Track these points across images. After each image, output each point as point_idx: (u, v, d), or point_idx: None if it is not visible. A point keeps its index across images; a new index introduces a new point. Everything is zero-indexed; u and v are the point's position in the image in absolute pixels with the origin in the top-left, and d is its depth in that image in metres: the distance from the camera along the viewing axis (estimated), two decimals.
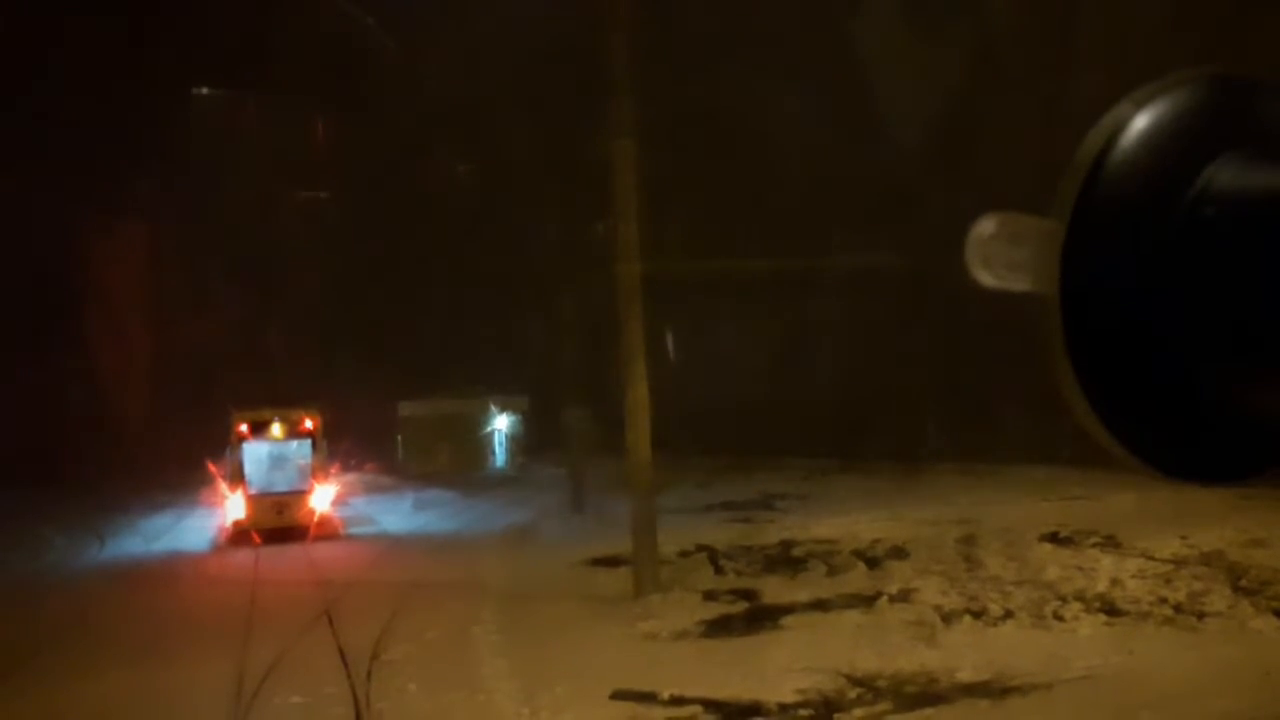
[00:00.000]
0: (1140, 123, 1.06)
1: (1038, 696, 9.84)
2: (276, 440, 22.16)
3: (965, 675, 10.37)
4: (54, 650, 12.86)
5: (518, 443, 33.41)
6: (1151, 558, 14.98)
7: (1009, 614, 12.70)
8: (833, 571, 15.60)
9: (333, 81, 33.10)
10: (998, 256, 1.13)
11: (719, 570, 16.12)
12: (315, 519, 21.62)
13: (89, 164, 30.94)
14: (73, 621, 14.33)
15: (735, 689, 10.28)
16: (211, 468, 23.66)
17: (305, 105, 34.82)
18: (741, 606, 13.83)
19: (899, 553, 16.33)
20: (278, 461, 22.02)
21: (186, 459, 24.80)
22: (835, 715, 9.66)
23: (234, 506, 21.47)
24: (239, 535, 21.09)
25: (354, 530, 22.54)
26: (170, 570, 18.92)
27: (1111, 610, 12.69)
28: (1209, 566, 14.26)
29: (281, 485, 21.79)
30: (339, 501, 23.36)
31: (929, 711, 9.68)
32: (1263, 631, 11.63)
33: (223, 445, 22.43)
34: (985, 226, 1.14)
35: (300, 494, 21.74)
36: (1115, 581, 13.87)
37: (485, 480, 30.08)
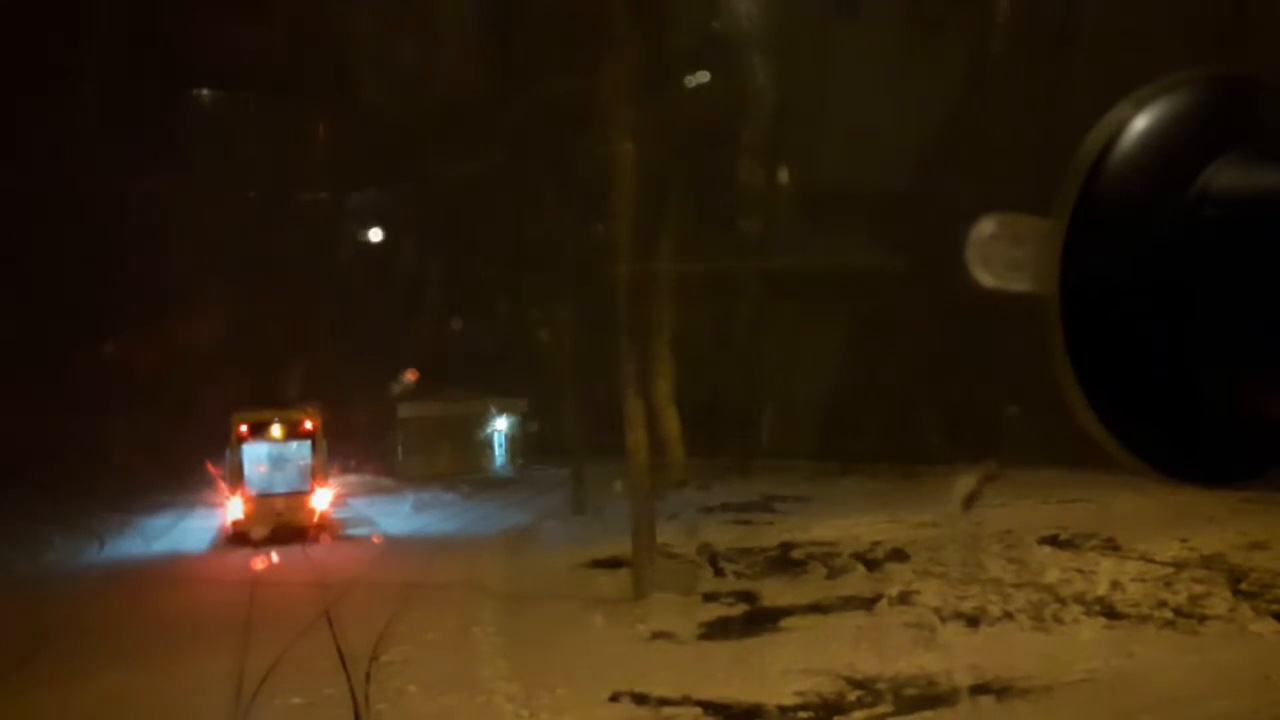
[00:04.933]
0: (1140, 123, 1.06)
1: (1038, 699, 9.84)
2: (276, 441, 22.16)
3: (965, 678, 10.36)
4: (53, 650, 12.85)
5: (518, 444, 33.40)
6: (1152, 560, 14.97)
7: (1009, 616, 12.69)
8: (832, 574, 15.60)
9: (333, 80, 33.09)
10: (998, 256, 1.13)
11: (719, 572, 16.12)
12: (315, 520, 21.60)
13: (88, 162, 30.94)
14: (72, 621, 14.33)
15: (735, 691, 10.28)
16: (211, 469, 23.66)
17: (306, 105, 34.82)
18: (741, 608, 13.83)
19: (899, 555, 16.33)
20: (277, 463, 22.01)
21: (187, 459, 24.79)
22: (835, 718, 9.66)
23: (234, 507, 21.46)
24: (238, 536, 21.08)
25: (353, 531, 22.54)
26: (170, 571, 18.91)
27: (1111, 613, 12.68)
28: (1209, 569, 14.25)
29: (281, 486, 21.78)
30: (339, 503, 23.35)
31: (929, 714, 9.67)
32: (1263, 635, 11.63)
33: (223, 446, 22.42)
34: (986, 226, 1.14)
35: (300, 495, 21.72)
36: (1115, 584, 13.86)
37: (485, 482, 30.07)
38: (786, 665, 11.00)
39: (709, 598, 14.40)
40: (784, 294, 27.98)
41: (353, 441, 27.56)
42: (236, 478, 21.56)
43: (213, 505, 23.48)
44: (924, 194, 23.24)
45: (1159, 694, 9.85)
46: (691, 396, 22.99)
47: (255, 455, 21.96)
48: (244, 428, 21.93)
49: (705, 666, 11.27)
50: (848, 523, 19.45)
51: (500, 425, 33.38)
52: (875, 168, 25.17)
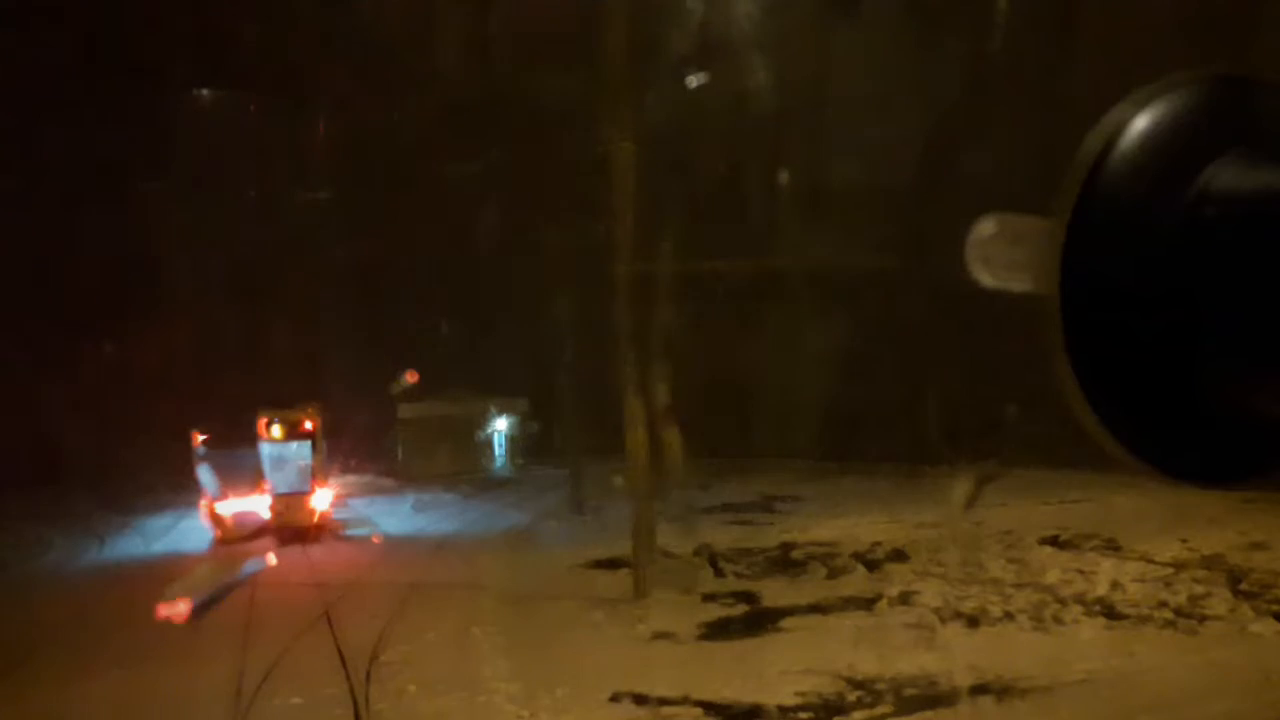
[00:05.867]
0: (1140, 123, 1.06)
1: (1038, 699, 9.84)
2: (276, 441, 22.15)
3: (965, 678, 10.37)
4: (53, 650, 12.85)
5: (518, 444, 33.38)
6: (1152, 561, 14.97)
7: (1009, 617, 12.69)
8: (832, 574, 15.59)
9: (333, 80, 33.10)
10: (998, 256, 1.13)
11: (719, 572, 16.11)
12: (315, 520, 21.60)
13: (88, 161, 30.95)
14: (72, 621, 14.32)
15: (735, 691, 10.28)
16: None
17: (305, 104, 34.82)
18: (741, 609, 13.83)
19: (899, 555, 16.33)
20: (277, 463, 22.00)
21: (186, 459, 24.77)
22: (835, 718, 9.66)
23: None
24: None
25: (353, 532, 22.52)
26: (170, 571, 18.88)
27: (1112, 613, 12.68)
28: (1209, 570, 14.26)
29: (281, 487, 21.79)
30: (339, 503, 23.34)
31: (929, 714, 9.68)
32: (1263, 635, 11.63)
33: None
34: (986, 226, 1.14)
35: (300, 495, 21.72)
36: (1115, 585, 13.86)
37: (485, 482, 30.04)
38: (786, 665, 11.01)
39: (709, 598, 14.39)
40: (784, 294, 27.98)
41: (353, 441, 27.53)
42: None
43: None
44: (924, 194, 23.23)
45: (1159, 694, 9.85)
46: (692, 397, 23.01)
47: None
48: None
49: (705, 666, 11.27)
50: (848, 523, 19.44)
51: (500, 425, 33.34)
52: (875, 167, 25.17)
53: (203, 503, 21.87)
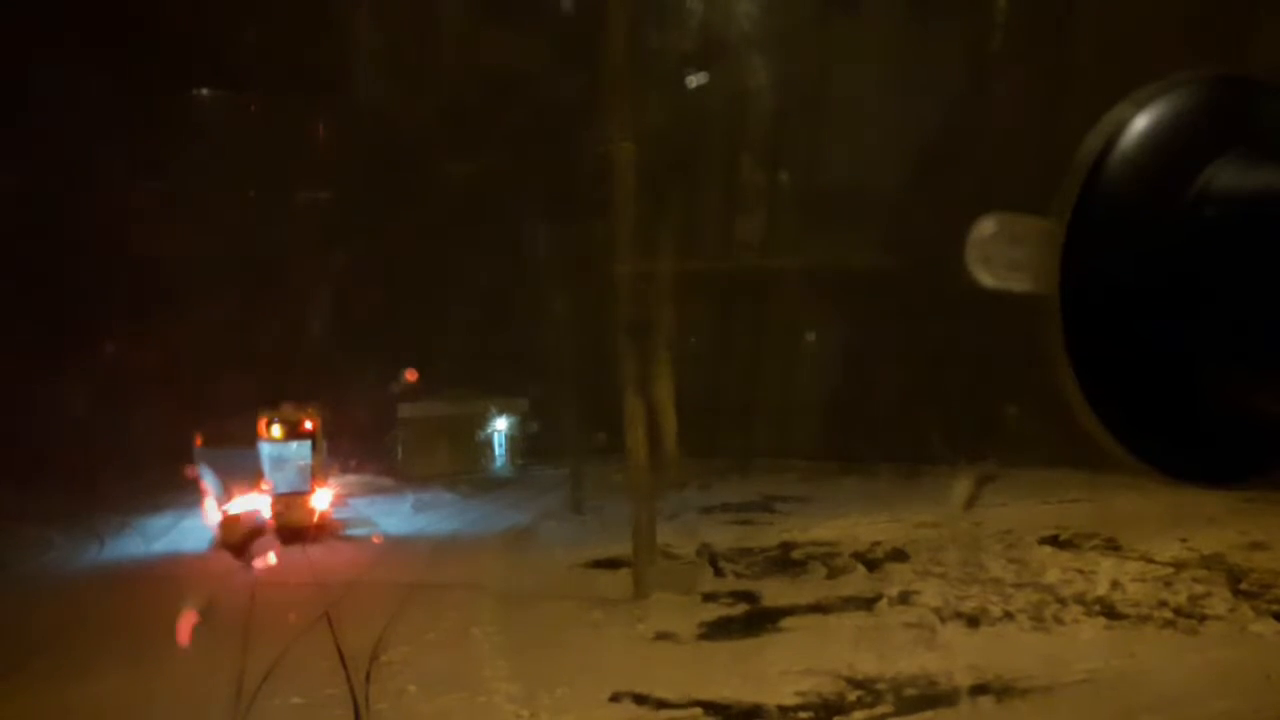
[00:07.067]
0: (1140, 123, 1.06)
1: (1038, 699, 9.84)
2: (276, 441, 22.16)
3: (965, 678, 10.36)
4: (53, 650, 12.85)
5: (517, 444, 33.40)
6: (1152, 560, 14.97)
7: (1009, 616, 12.69)
8: (833, 574, 15.59)
9: (334, 80, 33.09)
10: (998, 256, 1.13)
11: (719, 572, 16.11)
12: (315, 520, 21.61)
13: (88, 162, 30.94)
14: (72, 621, 14.32)
15: (735, 691, 10.28)
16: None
17: (306, 104, 34.81)
18: (741, 608, 13.83)
19: (899, 555, 16.32)
20: (277, 463, 22.00)
21: (186, 459, 24.78)
22: (835, 718, 9.66)
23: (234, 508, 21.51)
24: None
25: (353, 531, 22.53)
26: (170, 571, 18.90)
27: (1112, 613, 12.68)
28: (1209, 569, 14.25)
29: (281, 487, 21.79)
30: (339, 503, 23.35)
31: (929, 714, 9.68)
32: (1263, 635, 11.63)
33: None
34: (986, 226, 1.14)
35: (301, 495, 21.72)
36: (1115, 584, 13.86)
37: (485, 482, 30.05)
38: (786, 665, 11.00)
39: (709, 598, 14.39)
40: (784, 294, 27.98)
41: (353, 441, 27.53)
42: None
43: None
44: (924, 194, 23.24)
45: (1159, 694, 9.84)
46: (691, 396, 23.02)
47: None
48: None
49: (705, 666, 11.27)
50: (848, 523, 19.43)
51: (500, 425, 33.36)
52: (875, 167, 25.17)
53: (203, 503, 21.88)
